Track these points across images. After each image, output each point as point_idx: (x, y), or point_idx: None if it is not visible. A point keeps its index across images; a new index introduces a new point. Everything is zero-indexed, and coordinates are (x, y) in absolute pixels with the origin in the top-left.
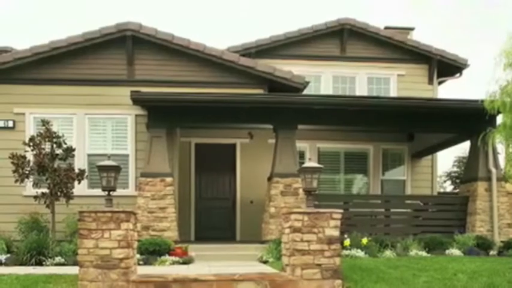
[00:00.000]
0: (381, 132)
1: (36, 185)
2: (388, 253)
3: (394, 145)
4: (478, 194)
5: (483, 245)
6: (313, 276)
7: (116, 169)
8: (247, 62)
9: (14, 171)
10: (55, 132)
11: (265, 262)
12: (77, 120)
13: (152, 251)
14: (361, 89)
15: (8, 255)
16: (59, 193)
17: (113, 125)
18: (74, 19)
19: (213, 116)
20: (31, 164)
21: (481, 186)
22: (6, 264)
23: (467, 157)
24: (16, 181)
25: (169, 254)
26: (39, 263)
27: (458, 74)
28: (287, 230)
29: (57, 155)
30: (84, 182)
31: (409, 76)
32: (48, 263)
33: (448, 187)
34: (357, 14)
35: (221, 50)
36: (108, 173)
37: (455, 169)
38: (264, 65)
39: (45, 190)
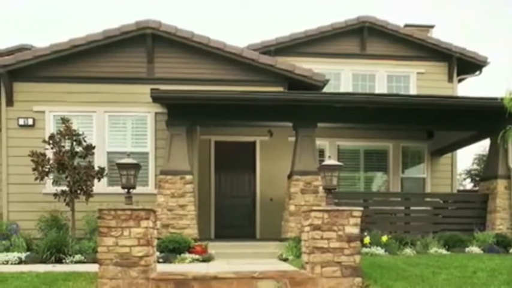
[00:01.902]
0: (401, 130)
1: (55, 182)
2: (408, 251)
3: (413, 143)
4: (497, 192)
5: (503, 243)
6: (332, 274)
7: (136, 167)
8: (267, 60)
9: (34, 169)
10: (75, 130)
11: (285, 260)
12: (96, 118)
13: (172, 249)
14: (380, 87)
15: (28, 253)
16: (78, 191)
17: (132, 122)
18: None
19: (232, 113)
20: (51, 161)
21: (500, 184)
22: (26, 262)
23: (487, 155)
24: (36, 179)
25: (189, 252)
26: (59, 261)
27: (478, 72)
28: (307, 228)
29: (77, 152)
30: (104, 179)
31: (429, 74)
32: (68, 261)
33: (468, 185)
34: (375, 12)
35: (241, 47)
36: (127, 171)
37: (475, 167)
38: (284, 63)
39: (65, 188)
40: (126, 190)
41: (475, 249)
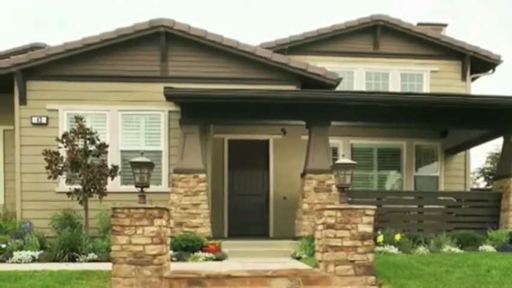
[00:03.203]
0: (414, 128)
1: (69, 181)
2: (421, 249)
3: (427, 141)
4: (511, 191)
5: None
6: (346, 272)
7: (149, 165)
8: (281, 58)
9: (47, 168)
10: (88, 129)
11: (298, 258)
12: (110, 117)
13: (185, 247)
14: (394, 86)
15: (41, 251)
16: (92, 189)
17: (146, 121)
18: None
19: (246, 112)
20: (64, 160)
21: None
22: (39, 260)
23: (500, 153)
24: (49, 177)
25: (203, 251)
26: (73, 260)
27: (491, 71)
28: (320, 227)
29: (91, 151)
30: (117, 178)
31: (442, 72)
32: (81, 260)
33: (481, 183)
34: (388, 10)
35: (254, 46)
36: (141, 169)
37: (488, 165)
38: (297, 61)
39: (78, 186)
40: (139, 189)
41: (488, 247)
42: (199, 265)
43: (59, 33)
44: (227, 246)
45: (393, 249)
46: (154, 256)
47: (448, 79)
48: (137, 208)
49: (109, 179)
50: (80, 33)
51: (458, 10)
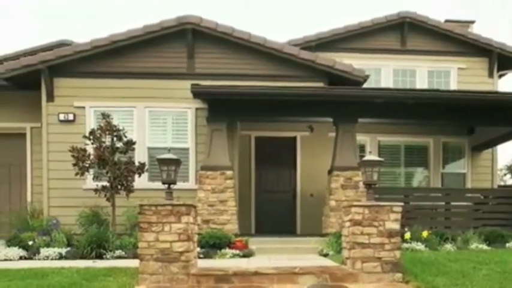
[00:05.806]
0: (441, 125)
1: (96, 178)
2: (448, 246)
3: (454, 138)
4: None
5: None
6: (373, 269)
7: (176, 162)
8: (308, 55)
9: (74, 165)
10: (115, 126)
11: (325, 255)
12: (137, 114)
13: (212, 244)
14: (421, 83)
15: (69, 248)
16: (119, 186)
17: (173, 118)
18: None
19: (273, 109)
20: (91, 157)
21: None
22: (66, 257)
23: None
24: (76, 174)
25: (230, 247)
26: (100, 256)
27: None
28: (347, 223)
29: (118, 148)
30: (145, 175)
31: (470, 69)
32: (108, 256)
33: (509, 180)
34: (413, 7)
35: (281, 43)
36: (168, 166)
37: None
38: (324, 58)
39: (106, 183)
40: (166, 185)
41: None
42: (226, 262)
43: (86, 30)
44: (254, 243)
45: (420, 246)
46: (181, 253)
47: (475, 76)
48: (164, 205)
49: (136, 176)
50: (106, 31)
51: (484, 6)
